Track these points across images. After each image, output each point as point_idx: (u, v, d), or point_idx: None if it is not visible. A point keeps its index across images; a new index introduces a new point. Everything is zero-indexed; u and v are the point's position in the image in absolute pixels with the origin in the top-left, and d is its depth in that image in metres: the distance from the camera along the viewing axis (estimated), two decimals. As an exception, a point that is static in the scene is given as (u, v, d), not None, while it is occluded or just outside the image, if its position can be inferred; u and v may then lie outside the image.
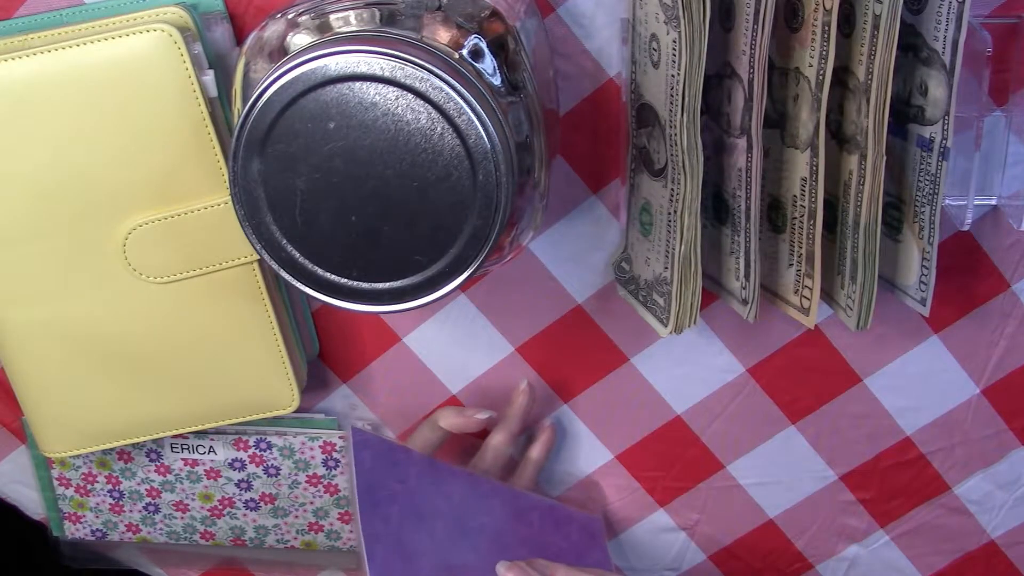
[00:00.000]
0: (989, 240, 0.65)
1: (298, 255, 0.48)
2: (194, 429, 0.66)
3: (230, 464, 0.72)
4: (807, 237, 0.57)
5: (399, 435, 0.73)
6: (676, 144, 0.54)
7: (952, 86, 0.53)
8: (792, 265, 0.59)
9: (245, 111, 0.46)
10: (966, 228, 0.60)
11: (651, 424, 0.71)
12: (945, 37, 0.52)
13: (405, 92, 0.45)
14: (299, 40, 0.50)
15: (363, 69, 0.45)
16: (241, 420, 0.66)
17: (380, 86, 0.45)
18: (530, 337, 0.69)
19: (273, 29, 0.51)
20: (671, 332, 0.59)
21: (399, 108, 0.46)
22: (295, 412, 0.66)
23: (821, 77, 0.53)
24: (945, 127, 0.54)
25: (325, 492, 0.73)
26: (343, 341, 0.70)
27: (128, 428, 0.66)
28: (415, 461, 0.65)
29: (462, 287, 0.50)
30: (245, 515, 0.74)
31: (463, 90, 0.45)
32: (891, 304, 0.62)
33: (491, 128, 0.46)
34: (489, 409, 0.69)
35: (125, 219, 0.59)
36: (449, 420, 0.69)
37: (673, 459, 0.72)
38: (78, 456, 0.72)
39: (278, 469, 0.72)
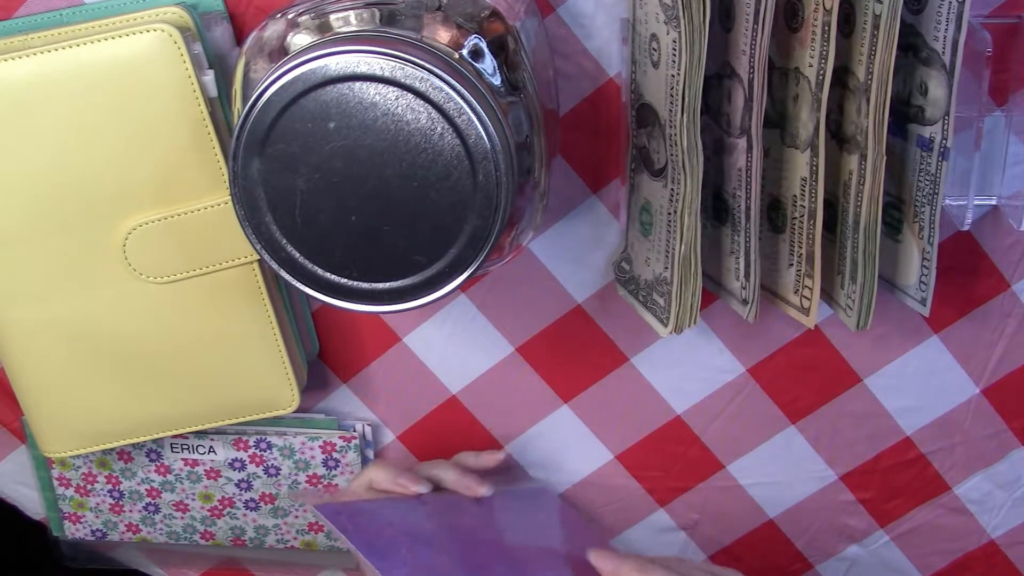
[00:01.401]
0: (989, 240, 0.65)
1: (298, 255, 0.48)
2: (194, 429, 0.66)
3: (230, 464, 0.72)
4: (807, 237, 0.57)
5: (399, 435, 0.73)
6: (676, 144, 0.54)
7: (952, 86, 0.53)
8: (792, 265, 0.59)
9: (245, 111, 0.46)
10: (966, 228, 0.60)
11: (651, 424, 0.71)
12: (945, 37, 0.52)
13: (405, 92, 0.45)
14: (299, 40, 0.50)
15: (363, 69, 0.45)
16: (241, 420, 0.66)
17: (380, 86, 0.45)
18: (530, 337, 0.69)
19: (273, 29, 0.51)
20: (671, 332, 0.59)
21: (399, 108, 0.46)
22: (295, 412, 0.66)
23: (821, 77, 0.53)
24: (945, 127, 0.54)
25: (325, 492, 0.73)
26: (343, 341, 0.70)
27: (128, 428, 0.66)
28: (383, 505, 0.65)
29: (462, 287, 0.50)
30: (245, 515, 0.74)
31: (463, 90, 0.45)
32: (891, 304, 0.62)
33: (491, 128, 0.46)
34: (427, 484, 0.67)
35: (125, 219, 0.59)
36: (383, 484, 0.67)
37: (673, 459, 0.72)
38: (78, 456, 0.72)
39: (278, 469, 0.72)
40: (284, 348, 0.64)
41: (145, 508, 0.74)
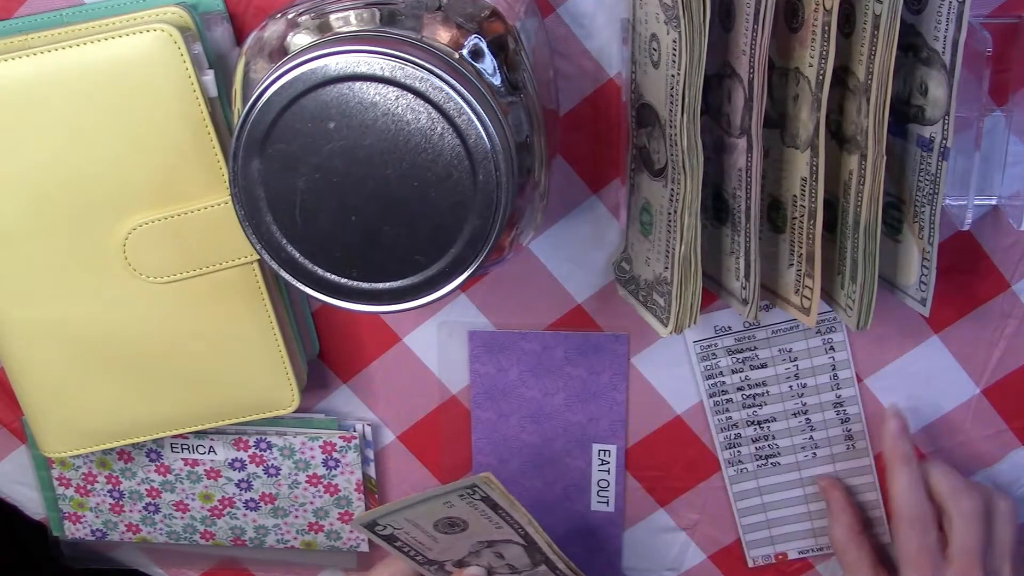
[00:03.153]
0: (989, 240, 0.65)
1: (298, 255, 0.48)
2: (194, 429, 0.66)
3: (230, 464, 0.72)
4: (807, 237, 0.57)
5: (399, 435, 0.73)
6: (676, 144, 0.54)
7: (952, 86, 0.53)
8: (792, 265, 0.59)
9: (245, 111, 0.46)
10: (966, 228, 0.60)
11: (651, 424, 0.71)
12: (945, 37, 0.52)
13: (405, 92, 0.45)
14: (299, 40, 0.50)
15: (363, 69, 0.45)
16: (241, 420, 0.66)
17: (380, 86, 0.45)
18: (530, 337, 0.69)
19: (273, 29, 0.51)
20: (671, 332, 0.59)
21: (399, 108, 0.46)
22: (295, 412, 0.66)
23: (821, 77, 0.53)
24: (945, 127, 0.54)
25: (325, 492, 0.73)
26: (343, 341, 0.70)
27: (128, 428, 0.66)
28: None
29: (462, 287, 0.50)
30: (245, 515, 0.74)
31: (463, 90, 0.45)
32: (891, 304, 0.62)
33: (491, 128, 0.46)
34: None
35: (125, 219, 0.59)
36: None
37: (673, 459, 0.72)
38: (78, 456, 0.72)
39: (278, 469, 0.72)
40: (284, 348, 0.64)
41: (145, 508, 0.74)
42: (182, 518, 0.75)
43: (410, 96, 0.46)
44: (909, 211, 0.58)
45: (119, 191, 0.59)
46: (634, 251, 0.63)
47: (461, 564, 0.65)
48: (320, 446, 0.71)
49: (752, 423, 0.70)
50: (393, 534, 0.61)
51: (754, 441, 0.71)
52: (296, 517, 0.74)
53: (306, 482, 0.72)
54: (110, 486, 0.74)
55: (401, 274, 0.48)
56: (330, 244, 0.48)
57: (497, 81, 0.50)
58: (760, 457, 0.71)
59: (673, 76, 0.53)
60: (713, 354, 0.68)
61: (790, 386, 0.69)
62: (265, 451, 0.71)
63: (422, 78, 0.45)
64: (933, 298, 0.58)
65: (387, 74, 0.45)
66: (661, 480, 0.73)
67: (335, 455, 0.71)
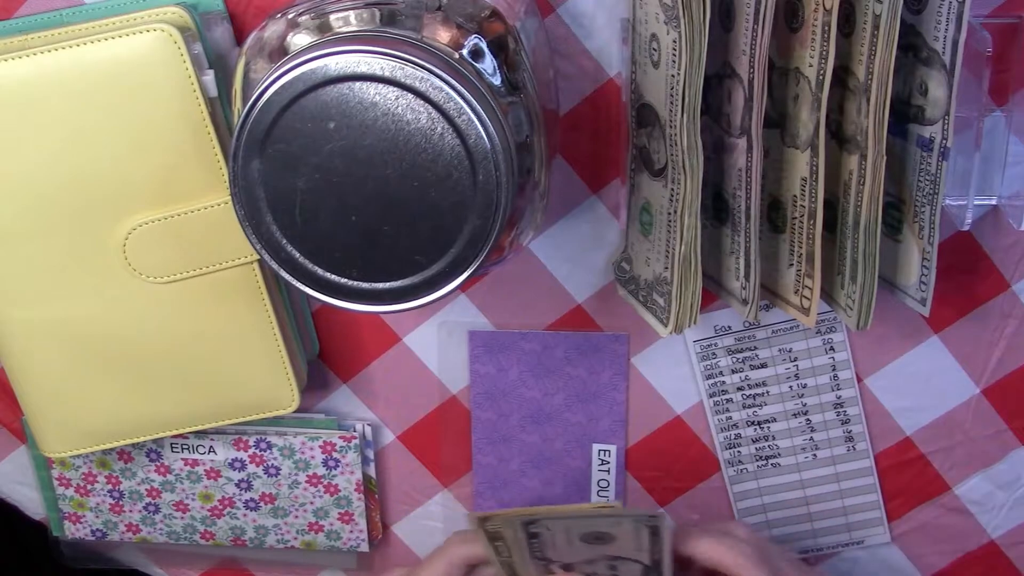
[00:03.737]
0: (989, 240, 0.65)
1: (298, 255, 0.48)
2: (194, 429, 0.66)
3: (230, 464, 0.72)
4: (807, 237, 0.57)
5: (399, 435, 0.73)
6: (676, 144, 0.54)
7: (952, 86, 0.53)
8: (792, 265, 0.59)
9: (245, 111, 0.46)
10: (966, 228, 0.60)
11: (651, 424, 0.71)
12: (945, 37, 0.52)
13: (405, 92, 0.45)
14: (299, 40, 0.50)
15: (363, 69, 0.45)
16: (241, 420, 0.66)
17: (380, 86, 0.45)
18: (530, 337, 0.69)
19: (273, 29, 0.51)
20: (671, 332, 0.59)
21: (399, 108, 0.46)
22: (295, 412, 0.66)
23: (821, 77, 0.53)
24: (945, 127, 0.54)
25: (325, 492, 0.73)
26: (343, 341, 0.70)
27: (128, 428, 0.66)
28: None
29: (462, 287, 0.50)
30: (245, 515, 0.74)
31: (463, 90, 0.45)
32: (891, 304, 0.62)
33: (491, 128, 0.46)
34: None
35: (125, 219, 0.59)
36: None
37: (673, 459, 0.72)
38: (78, 456, 0.72)
39: (278, 469, 0.72)
40: (284, 348, 0.64)
41: (145, 508, 0.74)
42: (182, 518, 0.75)
43: (410, 96, 0.46)
44: (909, 211, 0.58)
45: (119, 191, 0.59)
46: (634, 251, 0.63)
47: (568, 568, 0.63)
48: (320, 446, 0.71)
49: (752, 423, 0.70)
50: (499, 532, 0.60)
51: (754, 441, 0.71)
52: (296, 517, 0.74)
53: (306, 482, 0.72)
54: (110, 486, 0.74)
55: (401, 274, 0.48)
56: (330, 244, 0.48)
57: (497, 81, 0.50)
58: (760, 458, 0.71)
59: (673, 76, 0.53)
60: (713, 354, 0.68)
61: (790, 386, 0.69)
62: (265, 451, 0.71)
63: (422, 78, 0.45)
64: (933, 298, 0.58)
65: (387, 74, 0.45)
66: (661, 480, 0.73)
67: (335, 455, 0.71)
